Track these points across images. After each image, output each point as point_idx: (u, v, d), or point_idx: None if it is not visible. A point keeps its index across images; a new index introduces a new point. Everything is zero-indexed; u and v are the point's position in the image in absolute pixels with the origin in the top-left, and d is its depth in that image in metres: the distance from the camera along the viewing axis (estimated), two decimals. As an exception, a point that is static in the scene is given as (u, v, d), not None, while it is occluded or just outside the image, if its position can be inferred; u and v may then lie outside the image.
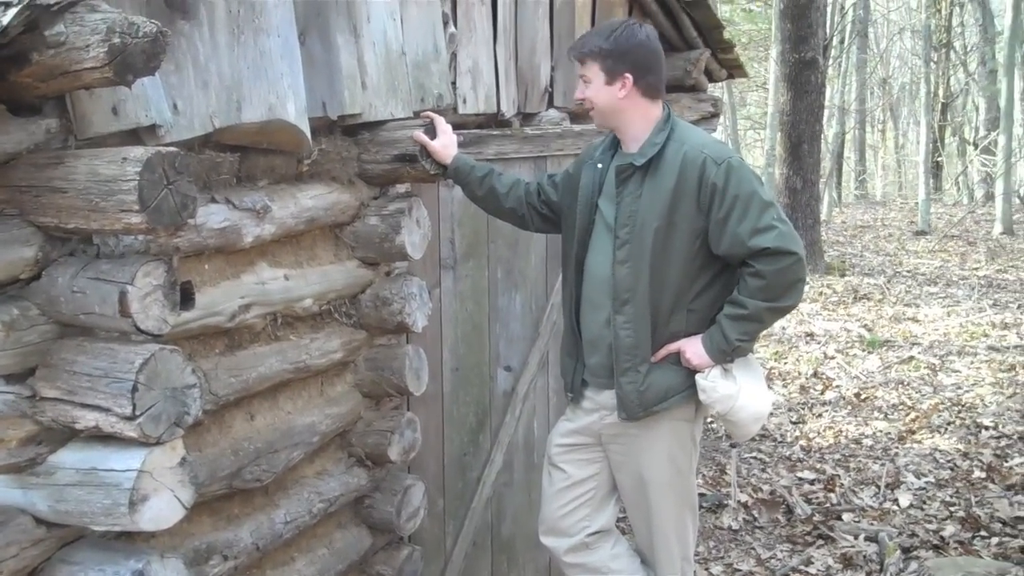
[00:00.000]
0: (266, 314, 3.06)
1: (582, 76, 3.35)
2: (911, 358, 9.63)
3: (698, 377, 3.31)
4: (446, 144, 3.51)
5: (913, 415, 7.79)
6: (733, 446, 6.80)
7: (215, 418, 2.88)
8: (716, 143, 3.36)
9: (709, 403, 3.32)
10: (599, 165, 3.43)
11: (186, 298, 2.39)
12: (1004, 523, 5.53)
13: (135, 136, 2.43)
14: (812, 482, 6.37)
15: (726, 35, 6.21)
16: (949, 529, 5.50)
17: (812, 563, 5.22)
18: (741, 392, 3.31)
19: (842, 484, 6.29)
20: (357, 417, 3.56)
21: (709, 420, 3.77)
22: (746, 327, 3.24)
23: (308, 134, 3.06)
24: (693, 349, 3.29)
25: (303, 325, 3.29)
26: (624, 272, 3.26)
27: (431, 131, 3.49)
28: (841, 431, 7.47)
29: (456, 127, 3.72)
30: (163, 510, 2.29)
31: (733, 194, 3.16)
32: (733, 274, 3.29)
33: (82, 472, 2.26)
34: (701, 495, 5.89)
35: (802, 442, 7.22)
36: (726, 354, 3.26)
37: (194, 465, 2.43)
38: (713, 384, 3.29)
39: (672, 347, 3.31)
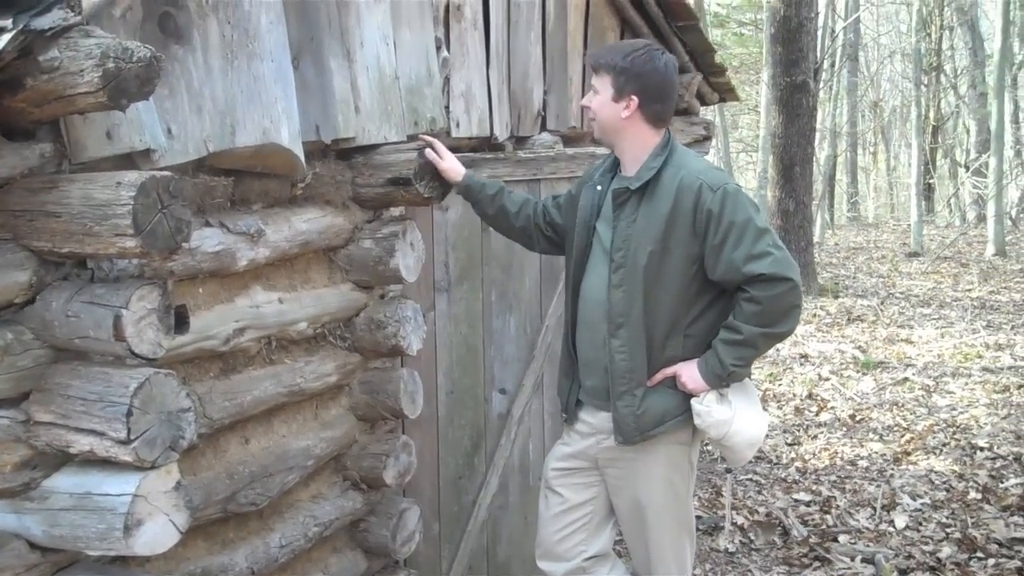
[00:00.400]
0: (260, 337, 3.06)
1: (593, 85, 3.36)
2: (905, 379, 9.63)
3: (693, 402, 3.30)
4: (453, 164, 3.54)
5: (908, 436, 7.78)
6: (728, 471, 6.79)
7: (210, 442, 2.88)
8: (713, 169, 3.36)
9: (704, 428, 3.31)
10: (598, 187, 3.44)
11: (180, 322, 2.38)
12: (1000, 544, 5.52)
13: (129, 160, 2.44)
14: (808, 504, 6.35)
15: (717, 59, 6.26)
16: (945, 551, 5.48)
17: (809, 585, 5.21)
18: (736, 417, 3.29)
19: (838, 506, 6.27)
20: (352, 440, 3.56)
21: (705, 443, 3.77)
22: (741, 352, 3.23)
23: (302, 158, 3.07)
24: (688, 373, 3.28)
25: (297, 348, 3.29)
26: (619, 296, 3.26)
27: (431, 153, 3.51)
28: (836, 452, 7.45)
29: (450, 151, 3.74)
30: (158, 534, 2.28)
31: (729, 220, 3.15)
32: (730, 300, 3.28)
33: (77, 496, 2.26)
34: (698, 518, 5.87)
35: (798, 464, 7.21)
36: (721, 379, 3.25)
37: (189, 489, 2.43)
38: (708, 409, 3.28)
39: (668, 371, 3.31)
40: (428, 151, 3.45)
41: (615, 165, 3.47)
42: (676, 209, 3.19)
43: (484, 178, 3.66)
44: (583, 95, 5.11)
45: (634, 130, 3.31)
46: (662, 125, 3.34)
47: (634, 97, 3.26)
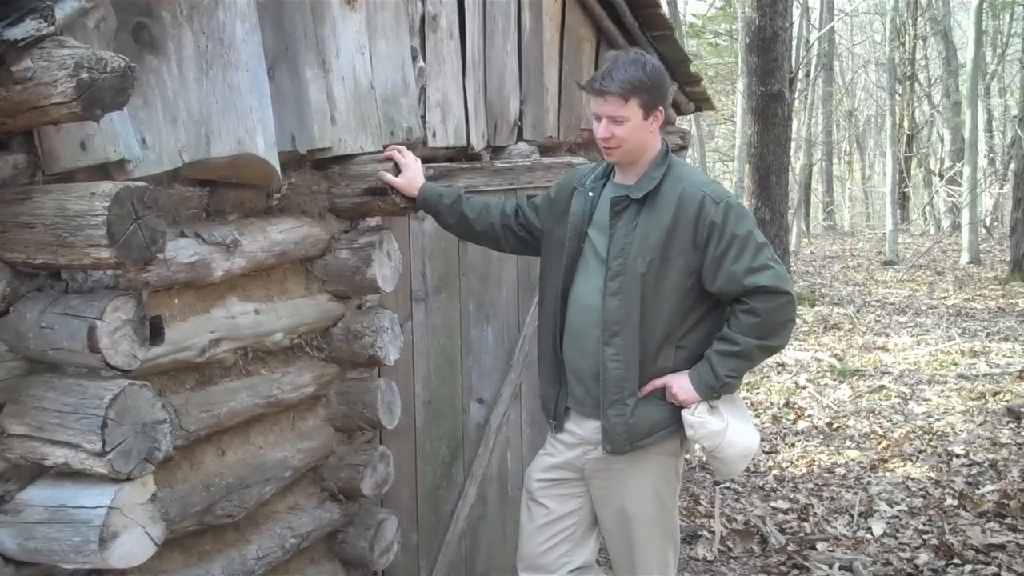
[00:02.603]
0: (237, 348, 3.05)
1: (615, 116, 3.20)
2: (882, 387, 9.67)
3: (685, 413, 3.28)
4: (411, 178, 3.51)
5: (885, 444, 7.82)
6: (717, 483, 6.79)
7: (186, 453, 2.87)
8: (713, 183, 3.37)
9: (697, 439, 3.30)
10: (590, 193, 3.41)
11: (155, 333, 2.37)
12: (977, 551, 5.55)
13: (103, 171, 2.42)
14: (786, 512, 6.37)
15: (693, 69, 6.29)
16: (922, 557, 5.51)
17: (787, 593, 5.22)
18: (729, 428, 3.29)
19: (816, 513, 6.29)
20: (329, 451, 3.54)
21: (688, 453, 3.77)
22: (736, 364, 3.24)
23: (278, 168, 3.06)
24: (680, 384, 3.27)
25: (274, 359, 3.28)
26: (615, 304, 3.25)
27: (396, 167, 3.49)
28: (814, 460, 7.48)
29: (426, 160, 3.73)
30: (134, 547, 2.27)
31: (731, 233, 3.17)
32: (721, 314, 3.30)
33: (51, 509, 2.24)
34: (675, 526, 5.88)
35: (775, 472, 7.23)
36: (714, 390, 3.24)
37: (165, 501, 2.41)
38: (702, 420, 3.27)
39: (658, 382, 3.29)
40: (383, 173, 3.44)
41: (606, 172, 3.45)
42: (677, 220, 3.20)
43: (441, 188, 3.63)
44: (560, 105, 5.13)
45: (653, 140, 3.31)
46: (667, 127, 3.36)
47: (661, 109, 3.27)
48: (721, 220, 3.18)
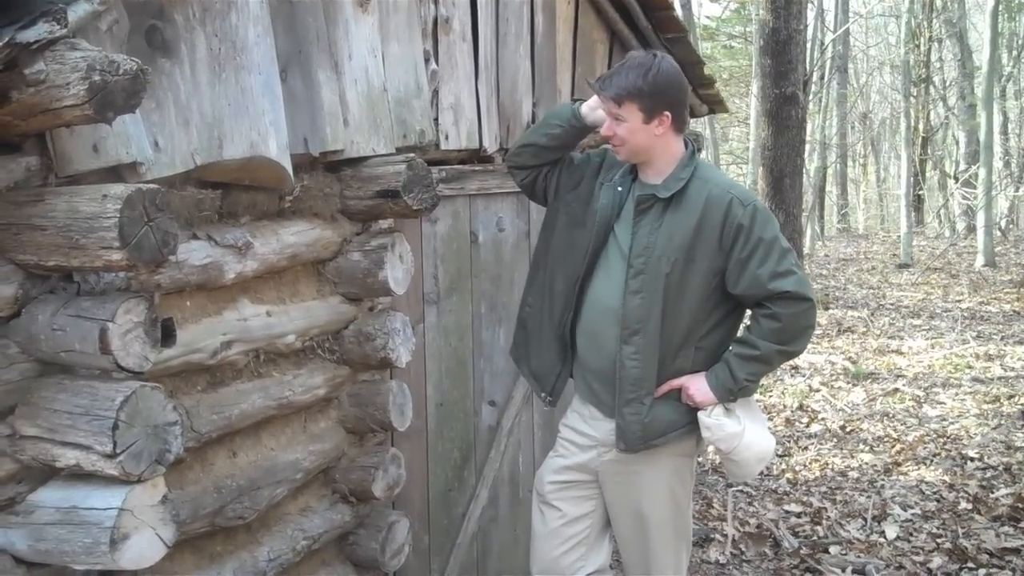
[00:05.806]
0: (248, 351, 3.05)
1: (615, 115, 3.24)
2: (896, 390, 9.64)
3: (701, 415, 3.29)
4: (595, 116, 3.41)
5: (899, 447, 7.79)
6: (730, 486, 6.77)
7: (197, 455, 2.87)
8: (740, 186, 3.37)
9: (713, 441, 3.30)
10: (619, 188, 3.40)
11: (167, 335, 2.38)
12: (991, 554, 5.52)
13: (116, 173, 2.43)
14: (799, 515, 6.35)
15: (707, 71, 6.27)
16: (936, 561, 5.49)
17: (800, 597, 5.20)
18: (746, 431, 3.30)
19: (829, 517, 6.27)
20: (341, 453, 3.55)
21: (701, 456, 3.76)
22: (754, 368, 3.25)
23: (290, 170, 3.06)
24: (697, 386, 3.28)
25: (286, 361, 3.28)
26: (636, 302, 3.25)
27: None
28: (827, 464, 7.46)
29: (438, 163, 3.73)
30: (145, 549, 2.27)
31: (758, 236, 3.18)
32: (741, 317, 3.32)
33: (62, 511, 2.25)
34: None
35: (788, 475, 7.21)
36: (731, 393, 3.26)
37: (176, 503, 2.42)
38: (719, 422, 3.27)
39: (675, 383, 3.30)
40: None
41: (633, 168, 3.42)
42: (703, 221, 3.20)
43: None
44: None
45: (665, 142, 3.28)
46: (685, 128, 3.35)
47: (667, 113, 3.23)
48: (748, 223, 3.18)
